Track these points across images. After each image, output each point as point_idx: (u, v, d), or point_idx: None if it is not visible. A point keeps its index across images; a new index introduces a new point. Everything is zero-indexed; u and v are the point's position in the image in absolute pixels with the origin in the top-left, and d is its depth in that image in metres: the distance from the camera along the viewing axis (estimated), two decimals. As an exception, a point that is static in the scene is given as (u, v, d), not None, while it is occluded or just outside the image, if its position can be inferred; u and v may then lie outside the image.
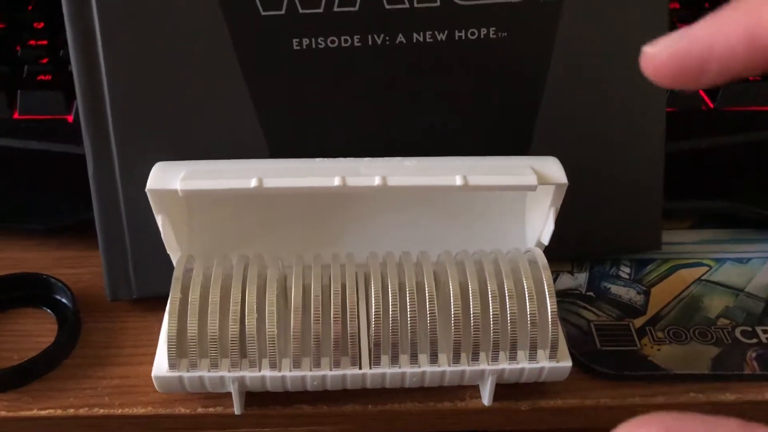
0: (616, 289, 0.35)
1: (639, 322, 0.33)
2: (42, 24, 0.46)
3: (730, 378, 0.31)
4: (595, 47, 0.32)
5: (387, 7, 0.30)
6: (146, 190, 0.28)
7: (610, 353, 0.32)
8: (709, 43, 0.17)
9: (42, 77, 0.41)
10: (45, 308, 0.34)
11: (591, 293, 0.35)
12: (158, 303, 0.32)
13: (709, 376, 0.31)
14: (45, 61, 0.43)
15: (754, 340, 0.32)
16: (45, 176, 0.38)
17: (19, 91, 0.40)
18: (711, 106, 0.41)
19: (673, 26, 0.46)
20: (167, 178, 0.28)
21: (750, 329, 0.33)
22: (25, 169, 0.38)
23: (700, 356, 0.32)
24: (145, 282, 0.33)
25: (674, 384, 0.31)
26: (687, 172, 0.38)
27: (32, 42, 0.45)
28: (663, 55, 0.18)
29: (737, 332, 0.33)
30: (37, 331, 0.33)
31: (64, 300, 0.34)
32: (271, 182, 0.27)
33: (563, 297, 0.34)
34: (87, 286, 0.35)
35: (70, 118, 0.40)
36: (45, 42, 0.45)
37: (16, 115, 0.40)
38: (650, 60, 0.18)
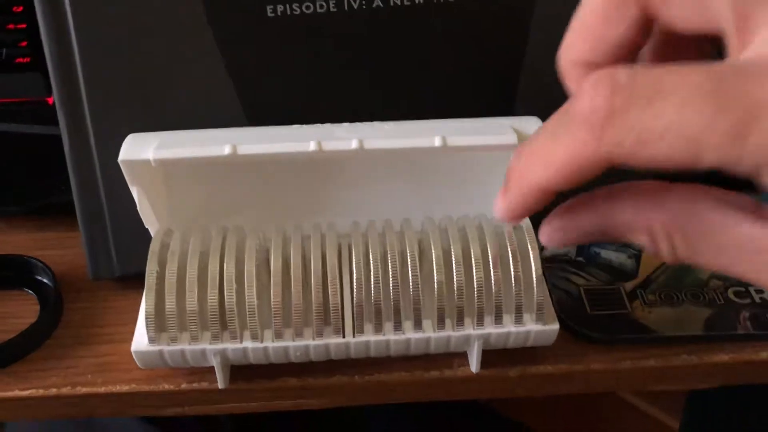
0: (606, 254, 0.34)
1: (630, 285, 0.33)
2: (21, 8, 0.45)
3: (724, 338, 0.31)
4: (577, 5, 0.31)
5: (362, -30, 0.30)
6: (119, 161, 0.28)
7: (600, 317, 0.31)
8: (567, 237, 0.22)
9: (20, 60, 0.41)
10: (26, 289, 0.33)
11: (580, 258, 0.34)
12: (141, 280, 0.31)
13: (702, 337, 0.31)
14: (24, 44, 0.42)
15: (747, 300, 0.32)
16: (25, 158, 0.38)
17: (-3, 74, 0.40)
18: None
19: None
20: (140, 148, 0.28)
21: (743, 289, 0.32)
22: (6, 152, 0.38)
23: (692, 318, 0.31)
24: (126, 259, 0.33)
25: (667, 346, 0.31)
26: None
27: (11, 25, 0.44)
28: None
29: (730, 293, 0.32)
30: (18, 313, 0.32)
31: (45, 281, 0.33)
32: (245, 149, 0.27)
33: (552, 263, 0.34)
34: (69, 266, 0.34)
35: (51, 100, 0.40)
36: (24, 25, 0.44)
37: (-5, 99, 0.40)
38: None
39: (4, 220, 0.37)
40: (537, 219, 0.33)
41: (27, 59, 0.41)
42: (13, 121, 0.39)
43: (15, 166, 0.37)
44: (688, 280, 0.33)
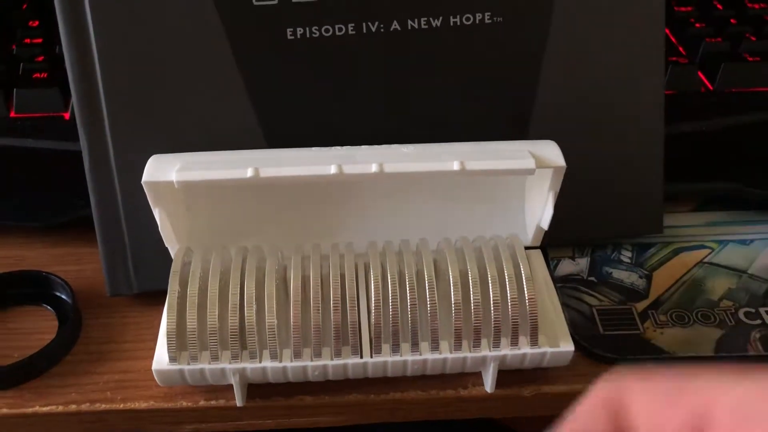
0: (618, 274, 0.35)
1: (641, 306, 0.33)
2: (37, 22, 0.46)
3: (734, 359, 0.31)
4: (591, 30, 0.32)
5: (381, -6, 0.30)
6: (142, 182, 0.28)
7: (612, 337, 0.32)
8: None
9: (38, 75, 0.41)
10: (45, 305, 0.34)
11: (593, 278, 0.34)
12: (158, 297, 0.32)
13: (713, 358, 0.31)
14: (41, 58, 0.43)
15: (758, 321, 0.32)
16: (43, 174, 0.38)
17: (15, 90, 0.40)
18: (710, 88, 0.41)
19: (669, 7, 0.46)
20: (163, 170, 0.28)
21: (753, 310, 0.33)
22: (23, 167, 0.38)
23: (703, 339, 0.32)
24: (144, 276, 0.33)
25: (678, 367, 0.31)
26: (688, 155, 0.38)
27: (27, 40, 0.44)
28: None
29: (740, 314, 0.33)
30: (37, 329, 0.33)
31: (64, 297, 0.34)
32: (267, 171, 0.27)
33: (565, 282, 0.34)
34: (87, 282, 0.35)
35: (67, 116, 0.40)
36: (40, 40, 0.44)
37: (12, 114, 0.40)
38: None
39: (22, 236, 0.37)
40: (549, 238, 0.33)
41: (44, 74, 0.41)
42: (30, 136, 0.39)
43: (32, 182, 0.38)
44: (699, 300, 0.33)
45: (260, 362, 0.28)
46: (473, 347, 0.28)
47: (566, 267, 0.35)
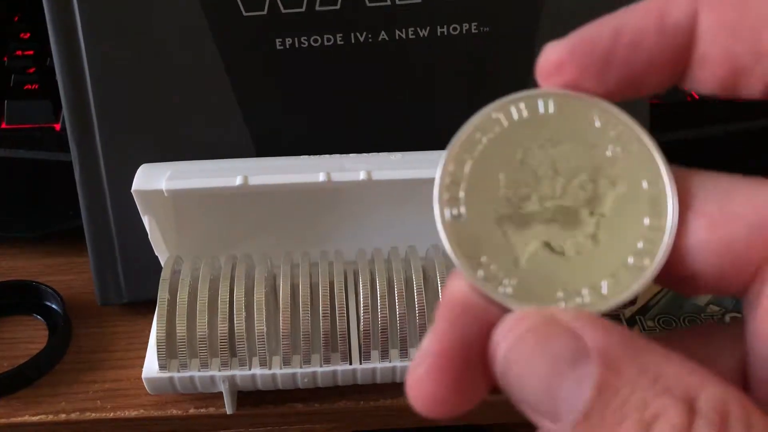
0: (606, 280, 0.35)
1: (629, 311, 0.33)
2: (28, 34, 0.46)
3: (721, 364, 0.31)
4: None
5: (368, 4, 0.30)
6: (132, 191, 0.28)
7: (600, 343, 0.32)
8: (618, 24, 0.16)
9: (29, 87, 0.42)
10: (35, 315, 0.34)
11: (581, 285, 0.35)
12: (148, 306, 0.32)
13: (700, 364, 0.31)
14: (32, 70, 0.43)
15: (744, 327, 0.33)
16: (34, 184, 0.38)
17: (6, 101, 0.40)
18: (696, 97, 0.42)
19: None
20: (153, 178, 0.28)
21: (740, 315, 0.33)
22: (14, 178, 0.38)
23: (690, 344, 0.32)
24: (134, 286, 0.33)
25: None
26: (674, 164, 0.38)
27: (19, 52, 0.45)
28: (568, 45, 0.16)
29: (727, 318, 0.33)
30: (27, 338, 0.33)
31: (54, 306, 0.34)
32: (256, 179, 0.27)
33: (553, 289, 0.34)
34: (77, 291, 0.35)
35: (58, 127, 0.40)
36: (31, 52, 0.45)
37: (3, 125, 0.40)
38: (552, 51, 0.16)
39: (13, 246, 0.37)
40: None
41: (35, 86, 0.41)
42: (21, 147, 0.39)
43: (23, 192, 0.38)
44: (686, 306, 0.34)
45: (250, 369, 0.28)
46: (462, 353, 0.28)
47: (555, 274, 0.35)
